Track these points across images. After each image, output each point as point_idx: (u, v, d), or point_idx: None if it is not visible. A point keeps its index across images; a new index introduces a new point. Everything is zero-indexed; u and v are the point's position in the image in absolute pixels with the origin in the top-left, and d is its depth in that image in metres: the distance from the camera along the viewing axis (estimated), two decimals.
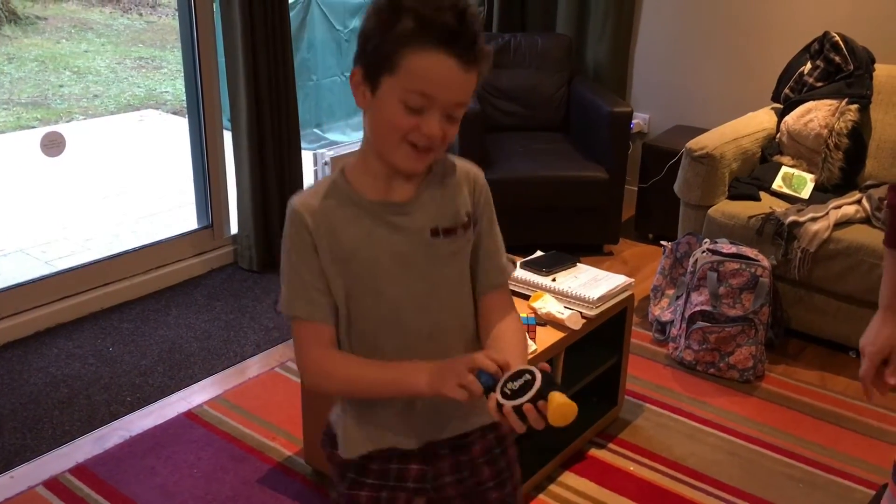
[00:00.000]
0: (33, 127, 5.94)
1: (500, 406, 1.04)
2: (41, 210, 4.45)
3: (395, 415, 1.25)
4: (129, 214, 4.35)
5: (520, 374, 1.05)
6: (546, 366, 1.10)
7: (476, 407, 1.22)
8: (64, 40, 7.87)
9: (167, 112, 6.62)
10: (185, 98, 6.89)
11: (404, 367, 1.15)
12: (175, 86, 7.26)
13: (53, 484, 2.21)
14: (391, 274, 1.18)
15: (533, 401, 1.02)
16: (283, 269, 1.20)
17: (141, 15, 8.94)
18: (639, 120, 4.18)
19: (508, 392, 1.04)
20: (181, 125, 6.27)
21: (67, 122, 6.11)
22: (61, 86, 6.78)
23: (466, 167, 1.26)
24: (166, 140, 5.94)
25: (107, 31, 8.36)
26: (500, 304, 1.28)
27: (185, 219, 3.59)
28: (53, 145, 2.82)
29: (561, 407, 1.02)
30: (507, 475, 1.36)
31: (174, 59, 7.94)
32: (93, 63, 7.51)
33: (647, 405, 2.63)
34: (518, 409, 1.02)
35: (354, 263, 1.17)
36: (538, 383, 1.03)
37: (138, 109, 6.61)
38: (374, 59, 1.10)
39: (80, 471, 2.26)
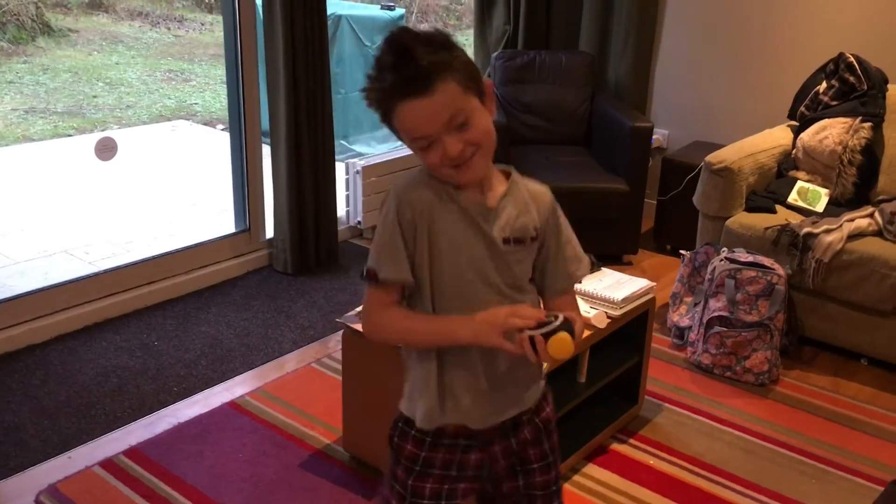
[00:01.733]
0: (70, 135, 6.15)
1: (524, 339, 1.23)
2: (82, 214, 4.63)
3: (468, 393, 1.36)
4: (167, 219, 4.52)
5: (549, 321, 1.24)
6: (571, 314, 1.27)
7: (528, 388, 1.40)
8: (95, 52, 8.10)
9: (198, 123, 6.82)
10: (213, 110, 7.07)
11: (452, 319, 1.31)
12: (204, 98, 7.47)
13: (108, 465, 2.36)
14: (463, 269, 1.33)
15: (545, 335, 1.22)
16: (381, 240, 1.33)
17: (169, 29, 9.18)
18: (658, 135, 4.33)
19: (546, 327, 1.23)
20: (211, 135, 6.48)
21: (102, 130, 6.31)
22: (95, 96, 7.00)
23: (537, 189, 1.41)
24: (198, 149, 6.13)
25: (136, 44, 8.59)
26: (564, 305, 1.41)
27: (219, 223, 3.75)
28: (107, 150, 3.00)
29: (558, 341, 1.22)
30: (551, 459, 1.49)
31: (202, 72, 8.16)
32: (124, 75, 7.74)
33: (666, 405, 2.76)
34: (532, 340, 1.23)
35: (442, 246, 1.32)
36: (556, 324, 1.23)
37: (170, 120, 6.81)
38: (388, 127, 1.30)
39: (132, 453, 2.41)
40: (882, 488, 2.35)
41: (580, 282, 1.50)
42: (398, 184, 1.34)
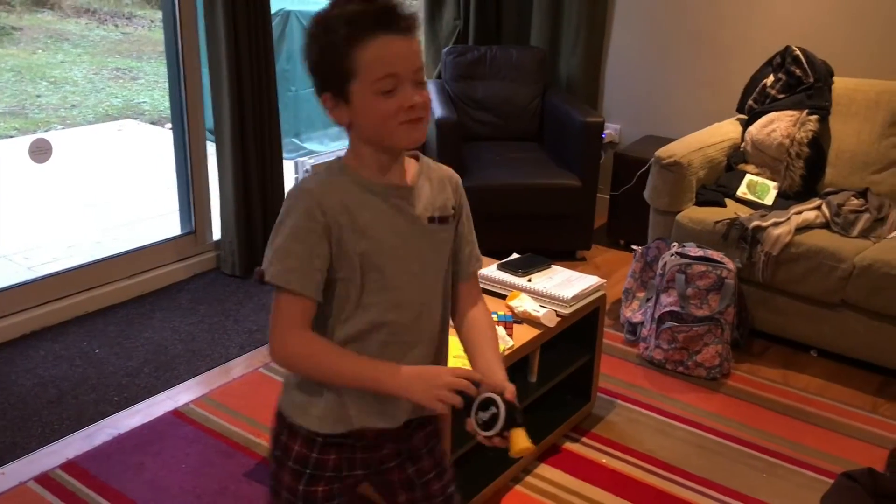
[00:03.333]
0: (11, 136, 5.96)
1: (475, 432, 1.21)
2: (22, 217, 4.49)
3: (369, 396, 1.30)
4: (111, 221, 4.40)
5: (487, 403, 1.20)
6: (511, 389, 1.24)
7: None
8: (40, 51, 7.88)
9: (146, 122, 6.67)
10: (162, 109, 6.92)
11: (378, 367, 1.24)
12: (153, 96, 7.31)
13: (44, 479, 2.27)
14: (394, 253, 1.26)
15: (500, 433, 1.19)
16: (279, 243, 1.23)
17: (117, 26, 8.97)
18: (610, 130, 4.32)
19: (480, 422, 1.20)
20: (159, 135, 6.33)
21: (46, 131, 6.13)
22: (38, 96, 6.80)
23: (445, 170, 1.38)
24: (145, 150, 5.98)
25: (83, 42, 8.38)
26: (474, 291, 1.42)
27: (165, 226, 3.66)
28: (41, 151, 2.89)
29: (521, 451, 1.20)
30: (443, 466, 1.46)
31: (151, 69, 7.99)
32: (69, 73, 7.54)
33: (619, 402, 2.75)
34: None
35: (365, 241, 1.24)
36: (502, 417, 1.19)
37: (116, 119, 6.65)
38: (335, 77, 1.20)
39: (70, 466, 2.32)
40: (832, 480, 2.35)
41: (479, 268, 1.45)
42: (305, 186, 1.25)
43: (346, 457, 1.36)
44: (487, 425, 1.19)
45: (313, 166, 1.29)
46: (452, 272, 1.39)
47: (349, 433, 1.34)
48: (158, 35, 8.82)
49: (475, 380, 1.22)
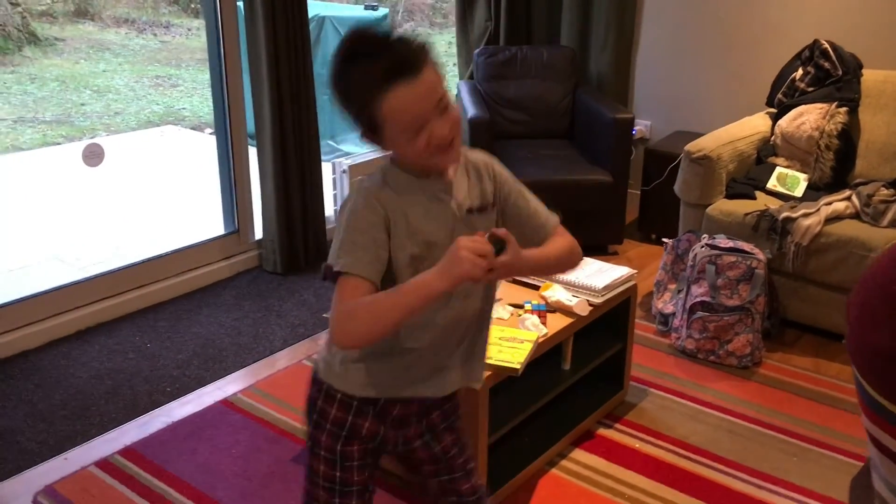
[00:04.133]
0: (59, 143, 6.17)
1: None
2: (73, 220, 4.67)
3: (396, 369, 1.42)
4: (157, 222, 4.56)
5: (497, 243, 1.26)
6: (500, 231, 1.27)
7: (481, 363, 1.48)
8: (83, 60, 8.13)
9: (186, 128, 6.86)
10: (202, 114, 7.10)
11: (419, 281, 1.24)
12: (192, 102, 7.50)
13: (104, 464, 2.40)
14: (441, 247, 1.33)
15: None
16: (343, 237, 1.31)
17: (155, 35, 9.20)
18: (640, 126, 4.38)
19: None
20: (200, 139, 6.51)
21: (91, 138, 6.33)
22: (83, 104, 7.03)
23: (481, 158, 1.46)
24: (187, 154, 6.16)
25: (123, 51, 8.62)
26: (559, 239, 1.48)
27: (209, 226, 3.79)
28: (94, 156, 3.04)
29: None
30: (463, 442, 1.56)
31: (189, 77, 8.19)
32: (111, 82, 7.76)
33: (652, 390, 2.81)
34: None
35: (416, 240, 1.34)
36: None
37: (158, 126, 6.84)
38: (365, 124, 1.29)
39: (127, 452, 2.45)
40: (862, 464, 2.40)
41: (557, 223, 1.50)
42: (363, 185, 1.35)
43: (378, 430, 1.47)
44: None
45: (364, 176, 1.38)
46: (533, 242, 1.43)
47: (379, 406, 1.45)
48: (196, 43, 9.04)
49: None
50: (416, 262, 1.34)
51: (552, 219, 1.49)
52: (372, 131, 1.31)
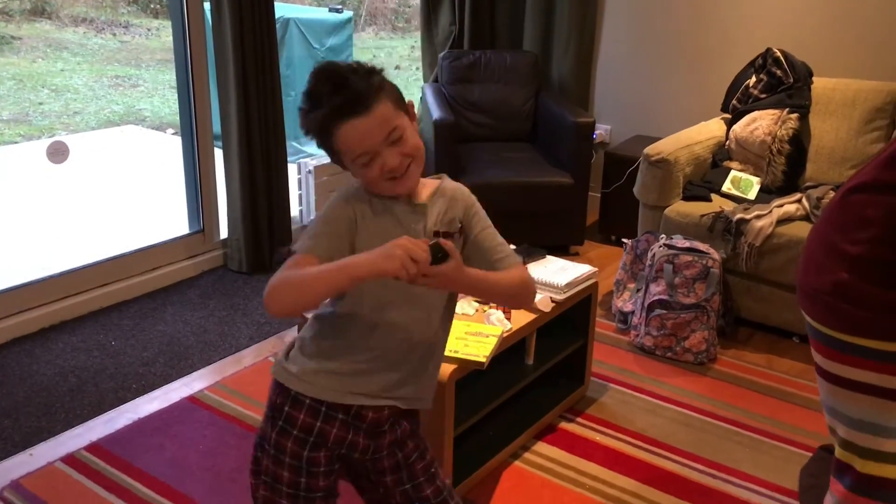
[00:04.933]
0: (16, 142, 6.09)
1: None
2: (34, 219, 4.62)
3: (359, 373, 1.47)
4: (120, 221, 4.54)
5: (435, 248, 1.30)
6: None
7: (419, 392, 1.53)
8: (40, 59, 8.01)
9: (147, 127, 6.81)
10: (163, 115, 7.04)
11: (347, 260, 1.30)
12: (153, 103, 7.45)
13: (70, 460, 2.40)
14: None
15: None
16: (310, 229, 1.44)
17: (114, 35, 9.10)
18: (601, 130, 4.48)
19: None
20: (162, 139, 6.47)
21: (50, 137, 6.26)
22: (41, 103, 6.94)
23: (459, 189, 1.53)
24: (149, 154, 6.13)
25: (81, 51, 8.51)
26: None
27: (172, 226, 3.79)
28: (58, 153, 3.03)
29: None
30: (423, 447, 1.60)
31: (150, 77, 8.13)
32: (70, 81, 7.67)
33: (612, 385, 2.90)
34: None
35: (377, 243, 1.35)
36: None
37: (118, 125, 6.78)
38: (328, 152, 1.43)
39: (94, 448, 2.46)
40: (809, 454, 2.51)
41: (519, 262, 1.54)
42: (341, 192, 1.47)
43: (346, 436, 1.49)
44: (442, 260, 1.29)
45: (345, 190, 1.49)
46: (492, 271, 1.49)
47: (353, 412, 1.48)
48: (155, 43, 8.97)
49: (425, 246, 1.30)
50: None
51: (514, 258, 1.53)
52: (335, 159, 1.45)
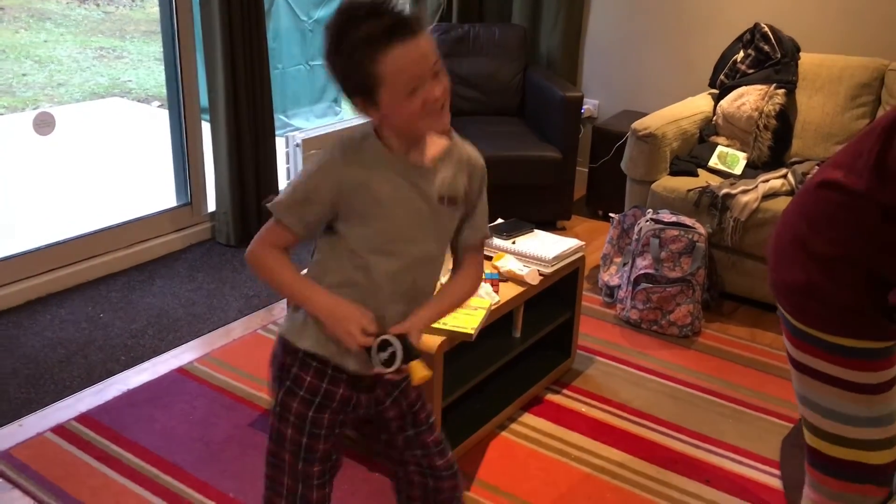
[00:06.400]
0: (0, 114, 6.03)
1: (378, 370, 1.42)
2: (21, 190, 4.59)
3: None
4: (107, 194, 4.52)
5: (385, 344, 1.39)
6: (409, 327, 1.42)
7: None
8: (22, 30, 7.90)
9: (132, 100, 6.75)
10: (148, 87, 6.98)
11: (316, 295, 1.43)
12: (138, 75, 7.37)
13: (60, 430, 2.42)
14: (404, 227, 1.43)
15: (399, 367, 1.39)
16: (294, 180, 1.43)
17: (98, 5, 8.98)
18: (589, 105, 4.49)
19: (381, 361, 1.40)
20: (147, 112, 6.42)
21: (34, 108, 6.20)
22: (24, 74, 6.85)
23: (473, 155, 1.50)
24: (134, 126, 6.08)
25: (65, 21, 8.40)
26: (470, 262, 1.56)
27: (159, 198, 3.78)
28: (45, 124, 3.01)
29: (420, 379, 1.40)
30: (424, 397, 1.64)
31: (135, 49, 8.04)
32: (54, 52, 7.58)
33: (598, 358, 2.93)
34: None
35: (377, 205, 1.41)
36: (399, 354, 1.38)
37: (104, 97, 6.72)
38: (363, 88, 1.34)
39: (83, 419, 2.47)
40: (791, 424, 2.56)
41: (487, 238, 1.59)
42: (335, 154, 1.41)
43: (351, 397, 1.52)
44: (388, 362, 1.39)
45: (344, 136, 1.44)
46: (456, 242, 1.54)
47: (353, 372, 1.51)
48: (140, 14, 8.86)
49: (374, 332, 1.40)
50: (367, 226, 1.42)
51: (479, 234, 1.55)
52: (366, 94, 1.34)
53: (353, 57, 1.32)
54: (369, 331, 1.40)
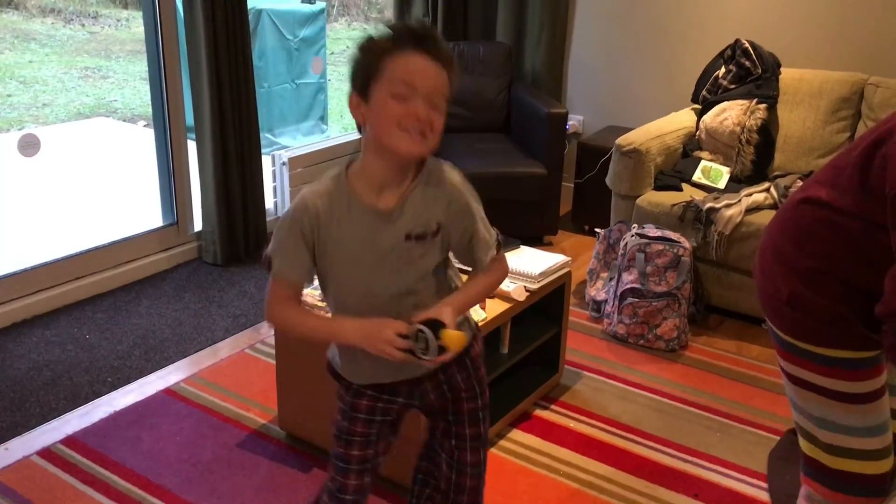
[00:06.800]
0: None
1: (423, 361, 1.43)
2: (5, 211, 4.57)
3: (376, 363, 1.50)
4: (91, 214, 4.50)
5: (416, 335, 1.40)
6: (439, 312, 1.42)
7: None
8: (7, 51, 7.90)
9: (118, 119, 6.74)
10: (134, 106, 6.98)
11: (340, 326, 1.50)
12: (124, 94, 7.38)
13: (46, 454, 2.40)
14: (371, 265, 1.48)
15: (437, 348, 1.40)
16: (278, 236, 1.48)
17: (83, 26, 8.99)
18: (574, 121, 4.52)
19: (420, 351, 1.40)
20: (133, 131, 6.41)
21: (19, 129, 6.18)
22: (9, 95, 6.85)
23: (451, 180, 1.48)
24: (120, 146, 6.07)
25: (50, 42, 8.40)
26: (491, 265, 1.56)
27: (145, 218, 3.78)
28: (30, 146, 3.00)
29: (457, 342, 1.41)
30: (479, 390, 1.67)
31: (120, 68, 8.04)
32: (39, 73, 7.57)
33: (585, 373, 2.94)
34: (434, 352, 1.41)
35: (343, 250, 1.47)
36: (430, 336, 1.39)
37: (89, 117, 6.71)
38: (364, 76, 1.39)
39: (70, 441, 2.45)
40: (778, 437, 2.57)
41: (493, 255, 1.57)
42: (304, 193, 1.47)
43: (382, 405, 1.61)
44: (426, 350, 1.40)
45: (318, 182, 1.50)
46: (471, 264, 1.56)
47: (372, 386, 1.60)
48: (125, 34, 8.87)
49: (404, 332, 1.41)
50: (340, 270, 1.49)
51: (490, 252, 1.55)
52: (364, 84, 1.39)
53: (374, 46, 1.39)
54: (402, 332, 1.41)
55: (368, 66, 1.38)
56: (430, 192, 1.47)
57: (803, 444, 1.61)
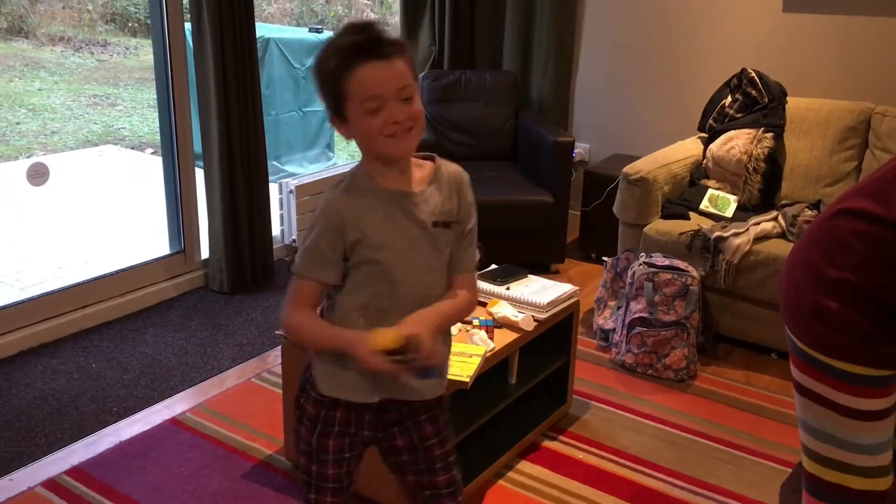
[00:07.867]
0: None
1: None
2: (11, 240, 4.58)
3: (359, 375, 1.49)
4: (98, 242, 4.51)
5: (395, 353, 1.40)
6: (410, 327, 1.41)
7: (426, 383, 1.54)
8: (17, 79, 7.97)
9: (126, 147, 6.78)
10: (142, 134, 7.02)
11: (344, 335, 1.46)
12: (132, 122, 7.42)
13: (51, 484, 2.38)
14: (401, 253, 1.46)
15: (412, 360, 1.40)
16: (307, 244, 1.47)
17: (92, 53, 9.07)
18: (580, 149, 4.53)
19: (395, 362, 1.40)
20: (141, 159, 6.45)
21: (28, 157, 6.22)
22: (18, 123, 6.89)
23: (456, 172, 1.54)
24: (128, 174, 6.10)
25: (59, 70, 8.47)
26: (463, 284, 1.56)
27: (152, 246, 3.79)
28: (38, 175, 3.02)
29: (426, 352, 1.40)
30: (445, 434, 1.63)
31: (128, 96, 8.10)
32: (48, 101, 7.63)
33: (594, 403, 2.91)
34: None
35: (373, 242, 1.45)
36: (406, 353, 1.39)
37: (97, 145, 6.75)
38: (333, 100, 1.42)
39: (75, 472, 2.44)
40: (789, 469, 2.54)
41: (473, 268, 1.59)
42: (329, 196, 1.47)
43: (353, 416, 1.55)
44: (403, 362, 1.40)
45: (336, 182, 1.49)
46: (451, 266, 1.55)
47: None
48: (134, 62, 8.94)
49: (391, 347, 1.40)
50: (369, 265, 1.46)
51: (470, 264, 1.56)
52: (336, 107, 1.41)
53: (328, 67, 1.40)
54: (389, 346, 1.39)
55: (331, 89, 1.40)
56: (444, 184, 1.51)
57: (805, 460, 1.59)
